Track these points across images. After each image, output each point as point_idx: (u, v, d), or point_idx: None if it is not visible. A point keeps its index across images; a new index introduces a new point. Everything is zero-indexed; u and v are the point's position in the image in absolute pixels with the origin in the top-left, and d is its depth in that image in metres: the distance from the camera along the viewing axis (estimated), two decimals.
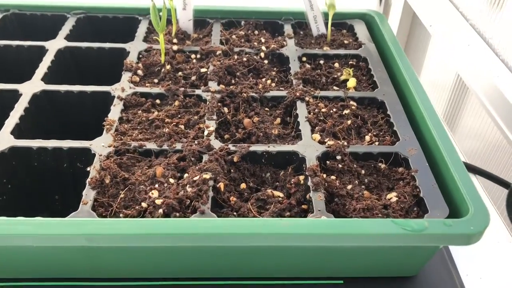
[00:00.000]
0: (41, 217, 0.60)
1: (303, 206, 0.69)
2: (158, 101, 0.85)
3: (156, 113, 0.81)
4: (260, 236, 0.60)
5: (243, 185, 0.72)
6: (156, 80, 0.89)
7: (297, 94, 0.85)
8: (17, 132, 0.75)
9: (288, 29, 1.07)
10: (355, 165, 0.74)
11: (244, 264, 0.70)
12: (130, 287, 0.69)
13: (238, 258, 0.69)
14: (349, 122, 0.80)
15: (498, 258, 0.80)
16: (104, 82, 0.87)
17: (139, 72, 0.90)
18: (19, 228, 0.59)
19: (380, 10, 1.52)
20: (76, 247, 0.64)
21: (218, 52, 0.96)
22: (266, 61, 0.96)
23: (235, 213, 0.67)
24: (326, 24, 1.06)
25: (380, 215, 0.66)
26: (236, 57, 0.95)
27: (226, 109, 0.83)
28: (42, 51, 0.94)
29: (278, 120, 0.83)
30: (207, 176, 0.68)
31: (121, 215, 0.64)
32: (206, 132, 0.76)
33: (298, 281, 0.72)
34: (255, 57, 0.96)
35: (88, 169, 0.69)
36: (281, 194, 0.71)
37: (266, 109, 0.86)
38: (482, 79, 1.05)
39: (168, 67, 0.90)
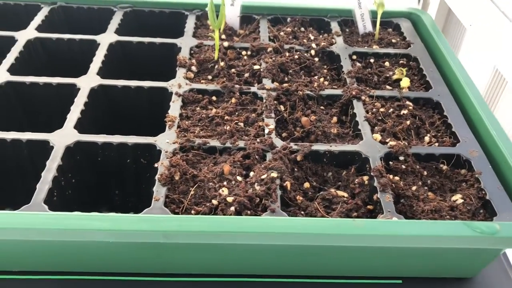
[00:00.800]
0: (101, 211, 0.61)
1: (368, 207, 0.69)
2: (214, 97, 0.85)
3: (214, 110, 0.81)
4: (335, 236, 0.60)
5: (306, 184, 0.72)
6: (210, 77, 0.89)
7: (353, 93, 0.85)
8: (79, 127, 0.75)
9: (335, 26, 1.07)
10: (417, 166, 0.74)
11: (308, 262, 0.70)
12: (193, 283, 0.70)
13: (302, 257, 0.69)
14: (408, 122, 0.80)
15: None
16: (155, 77, 0.87)
17: (193, 68, 0.90)
18: (96, 224, 0.59)
19: (418, 7, 1.51)
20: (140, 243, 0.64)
21: (269, 49, 0.96)
22: (316, 59, 0.96)
23: (302, 212, 0.67)
24: (372, 23, 1.06)
25: (448, 217, 0.66)
26: (287, 54, 0.95)
27: (282, 107, 0.83)
28: (94, 45, 0.94)
29: (335, 119, 0.83)
30: (274, 174, 0.68)
31: (192, 211, 0.64)
32: (266, 131, 0.77)
33: (358, 280, 0.73)
34: (305, 54, 0.96)
35: (156, 165, 0.69)
36: (345, 194, 0.71)
37: (322, 107, 0.86)
38: None
39: (222, 63, 0.90)
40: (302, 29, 1.07)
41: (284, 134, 0.80)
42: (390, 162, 0.74)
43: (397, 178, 0.72)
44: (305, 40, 1.01)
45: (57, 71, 0.88)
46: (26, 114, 0.86)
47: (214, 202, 0.65)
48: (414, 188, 0.71)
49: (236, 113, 0.82)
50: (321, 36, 1.05)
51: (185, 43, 0.96)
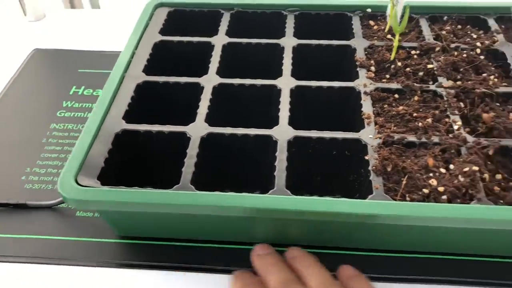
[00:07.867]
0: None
1: None
2: (396, 95, 0.94)
3: (401, 107, 0.91)
4: None
5: (498, 176, 0.81)
6: (387, 76, 0.99)
7: None
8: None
9: (492, 24, 1.12)
10: None
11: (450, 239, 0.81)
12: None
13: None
14: None
15: None
16: (332, 77, 0.97)
17: (372, 68, 1.00)
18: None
19: None
20: None
21: (437, 49, 1.04)
22: (482, 57, 1.03)
23: (501, 201, 0.76)
24: None
25: None
26: (455, 53, 1.02)
27: (462, 104, 0.92)
28: (277, 48, 1.06)
29: None
30: (475, 168, 0.77)
31: (407, 198, 0.75)
32: (455, 127, 0.86)
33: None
34: (471, 53, 1.03)
35: (366, 158, 0.80)
36: None
37: (497, 104, 0.93)
38: None
39: (399, 63, 1.00)
40: (459, 27, 1.14)
41: (467, 129, 0.89)
42: None
43: None
44: (468, 39, 1.07)
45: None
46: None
47: (425, 191, 0.75)
48: None
49: (421, 110, 0.91)
50: (481, 33, 1.11)
51: (358, 44, 1.06)
